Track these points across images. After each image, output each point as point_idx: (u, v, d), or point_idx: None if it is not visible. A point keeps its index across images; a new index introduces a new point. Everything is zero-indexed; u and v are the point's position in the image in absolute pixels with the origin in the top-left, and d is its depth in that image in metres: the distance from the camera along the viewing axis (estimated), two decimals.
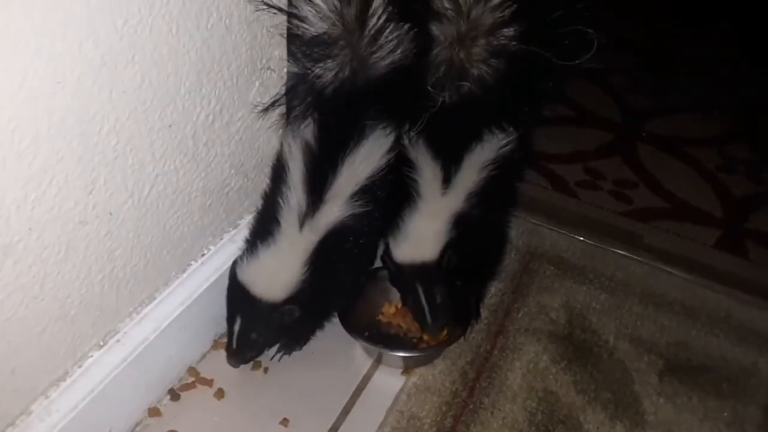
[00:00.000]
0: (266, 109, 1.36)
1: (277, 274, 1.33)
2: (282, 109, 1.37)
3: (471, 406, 1.43)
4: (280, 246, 1.32)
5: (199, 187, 1.30)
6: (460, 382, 1.48)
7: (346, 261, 1.40)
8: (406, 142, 1.43)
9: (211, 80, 1.21)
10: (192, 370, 1.43)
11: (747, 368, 1.58)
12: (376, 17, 1.22)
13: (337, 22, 1.21)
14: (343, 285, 1.46)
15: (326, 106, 1.29)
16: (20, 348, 1.05)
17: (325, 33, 1.22)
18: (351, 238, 1.37)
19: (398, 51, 1.25)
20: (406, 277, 1.49)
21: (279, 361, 1.47)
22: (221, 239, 1.45)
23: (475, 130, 1.41)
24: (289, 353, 1.47)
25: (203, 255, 1.41)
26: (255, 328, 1.37)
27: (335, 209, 1.31)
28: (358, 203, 1.33)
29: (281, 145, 1.38)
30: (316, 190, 1.30)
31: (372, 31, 1.23)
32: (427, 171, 1.42)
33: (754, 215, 2.18)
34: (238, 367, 1.42)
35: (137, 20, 0.99)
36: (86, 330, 1.17)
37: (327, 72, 1.25)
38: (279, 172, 1.36)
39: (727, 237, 2.06)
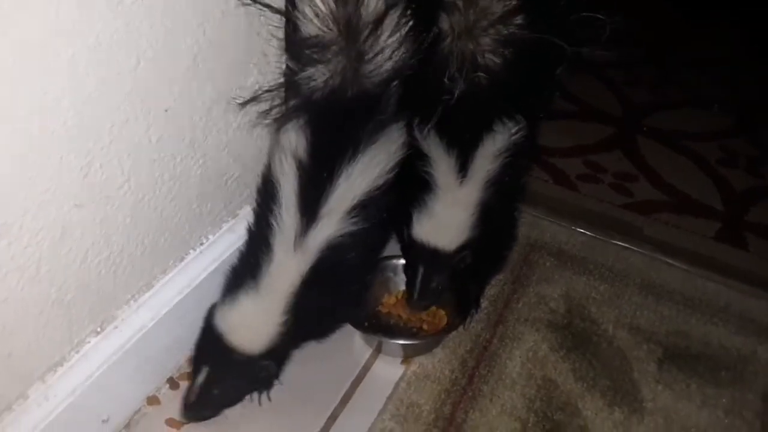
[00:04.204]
0: (246, 103, 1.30)
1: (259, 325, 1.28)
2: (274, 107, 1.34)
3: (470, 394, 1.43)
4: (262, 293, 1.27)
5: (197, 175, 1.30)
6: (459, 370, 1.48)
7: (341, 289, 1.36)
8: (417, 134, 1.42)
9: (208, 66, 1.20)
10: (191, 360, 1.43)
11: (745, 356, 1.58)
12: (371, 24, 1.17)
13: (332, 27, 1.17)
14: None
15: (318, 113, 1.24)
16: (17, 331, 1.05)
17: (318, 36, 1.18)
18: (344, 263, 1.30)
19: (395, 58, 1.21)
20: (414, 253, 1.49)
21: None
22: (220, 228, 1.45)
23: (485, 120, 1.40)
24: None
25: (202, 244, 1.41)
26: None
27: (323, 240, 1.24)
28: (353, 220, 1.26)
29: (269, 163, 1.32)
30: (309, 214, 1.23)
31: (368, 39, 1.18)
32: (441, 163, 1.41)
33: (754, 208, 2.18)
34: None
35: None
36: (83, 315, 1.17)
37: (319, 76, 1.21)
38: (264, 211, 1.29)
39: (727, 229, 2.07)
